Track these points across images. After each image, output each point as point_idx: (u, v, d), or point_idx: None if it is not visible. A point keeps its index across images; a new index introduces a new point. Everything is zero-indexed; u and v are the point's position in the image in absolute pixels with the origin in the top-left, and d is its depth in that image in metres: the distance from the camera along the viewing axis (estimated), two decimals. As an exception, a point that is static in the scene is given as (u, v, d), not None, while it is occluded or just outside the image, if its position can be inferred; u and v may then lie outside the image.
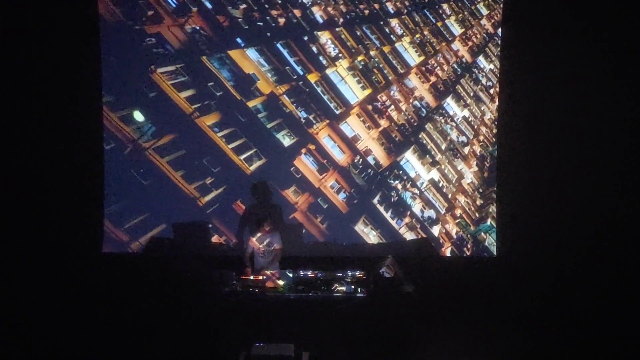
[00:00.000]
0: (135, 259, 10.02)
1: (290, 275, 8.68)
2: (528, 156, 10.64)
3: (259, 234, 9.16)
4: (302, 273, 8.71)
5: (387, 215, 11.18)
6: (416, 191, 11.34)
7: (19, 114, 9.79)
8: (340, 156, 11.03)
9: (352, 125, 11.13)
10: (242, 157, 10.61)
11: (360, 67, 11.16)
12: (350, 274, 8.78)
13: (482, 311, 9.18)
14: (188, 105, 10.33)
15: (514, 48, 10.76)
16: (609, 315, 9.25)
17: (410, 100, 11.50)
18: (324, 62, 10.95)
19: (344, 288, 8.40)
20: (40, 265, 9.57)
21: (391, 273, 8.58)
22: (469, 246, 11.55)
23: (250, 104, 10.54)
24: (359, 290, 8.40)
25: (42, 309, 8.86)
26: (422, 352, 7.87)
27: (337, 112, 11.00)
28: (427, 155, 11.53)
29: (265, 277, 8.60)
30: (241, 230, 10.30)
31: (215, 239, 10.61)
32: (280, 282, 8.64)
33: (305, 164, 10.86)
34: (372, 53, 11.27)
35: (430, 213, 11.41)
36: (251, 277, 8.61)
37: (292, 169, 10.83)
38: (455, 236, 11.52)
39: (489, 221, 11.59)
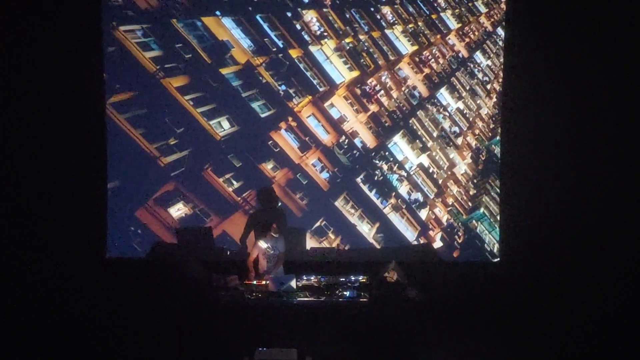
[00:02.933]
0: (138, 263, 9.84)
1: (294, 280, 8.53)
2: (532, 159, 10.29)
3: (264, 239, 8.94)
4: (305, 278, 8.67)
5: (371, 195, 10.75)
6: (403, 173, 10.90)
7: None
8: (324, 136, 10.69)
9: (339, 107, 10.85)
10: (212, 122, 10.26)
11: (348, 48, 10.89)
12: (353, 279, 8.64)
13: (486, 316, 8.88)
14: (152, 65, 10.07)
15: (518, 46, 10.43)
16: (615, 320, 8.96)
17: (402, 89, 11.18)
18: (308, 39, 10.70)
19: (347, 293, 8.28)
20: (43, 270, 9.44)
21: (394, 278, 8.40)
22: (459, 234, 11.09)
23: (224, 71, 10.29)
24: (362, 295, 8.25)
25: (46, 314, 8.73)
26: (426, 357, 7.70)
27: (321, 90, 10.66)
28: (417, 140, 11.13)
29: (268, 281, 8.51)
30: (246, 234, 9.96)
31: (182, 206, 10.19)
32: (283, 287, 8.48)
33: (285, 139, 10.53)
34: (361, 37, 11.02)
35: (417, 196, 10.93)
36: (254, 282, 8.51)
37: (270, 142, 10.43)
38: (445, 223, 11.04)
39: (481, 209, 11.14)
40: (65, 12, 9.66)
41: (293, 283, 8.46)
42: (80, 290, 9.16)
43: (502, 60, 11.14)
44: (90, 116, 9.95)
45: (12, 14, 9.55)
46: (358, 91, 10.97)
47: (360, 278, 8.71)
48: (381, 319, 7.89)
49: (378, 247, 10.67)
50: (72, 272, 9.48)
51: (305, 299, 8.19)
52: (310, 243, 10.41)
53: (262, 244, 8.92)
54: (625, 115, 9.88)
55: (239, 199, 10.40)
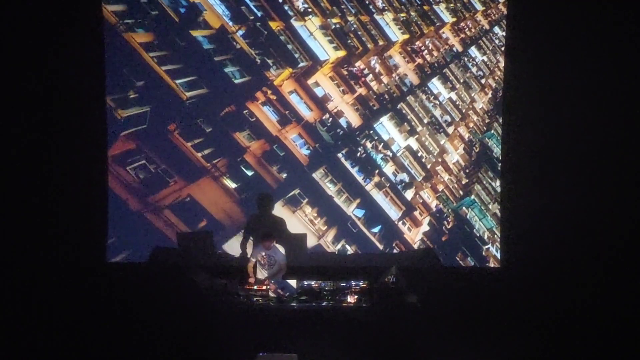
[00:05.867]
0: (139, 268, 9.63)
1: (294, 285, 8.57)
2: (534, 164, 9.95)
3: (262, 246, 8.84)
4: (305, 283, 8.63)
5: (353, 171, 10.20)
6: (389, 153, 10.29)
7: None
8: (307, 112, 10.17)
9: (324, 86, 10.35)
10: (178, 81, 9.66)
11: (333, 27, 10.39)
12: (354, 284, 8.61)
13: (486, 322, 8.69)
14: (113, 17, 9.48)
15: (518, 47, 10.10)
16: (616, 322, 8.76)
17: (392, 75, 10.71)
18: (291, 13, 10.20)
19: (347, 298, 8.35)
20: (45, 275, 9.19)
21: (395, 283, 8.40)
22: (449, 219, 10.46)
23: (195, 33, 9.73)
24: (362, 300, 8.32)
25: (47, 320, 8.53)
26: (426, 362, 7.52)
27: (302, 64, 10.10)
28: (405, 123, 10.58)
29: (268, 286, 8.45)
30: (245, 240, 9.74)
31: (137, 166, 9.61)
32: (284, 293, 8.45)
33: (264, 112, 9.99)
34: (349, 18, 10.54)
35: (403, 177, 10.35)
36: (255, 287, 8.49)
37: (245, 112, 9.83)
38: (434, 208, 10.43)
39: (472, 196, 10.59)
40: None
41: (293, 288, 8.39)
42: (81, 295, 8.93)
43: (498, 57, 10.89)
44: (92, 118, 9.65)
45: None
46: (344, 72, 10.42)
47: (361, 283, 8.56)
48: (382, 324, 7.84)
49: (359, 222, 10.02)
50: (73, 276, 9.25)
51: (306, 304, 8.18)
52: (282, 212, 9.82)
53: (261, 251, 8.77)
54: (625, 114, 9.59)
55: (208, 164, 9.74)
